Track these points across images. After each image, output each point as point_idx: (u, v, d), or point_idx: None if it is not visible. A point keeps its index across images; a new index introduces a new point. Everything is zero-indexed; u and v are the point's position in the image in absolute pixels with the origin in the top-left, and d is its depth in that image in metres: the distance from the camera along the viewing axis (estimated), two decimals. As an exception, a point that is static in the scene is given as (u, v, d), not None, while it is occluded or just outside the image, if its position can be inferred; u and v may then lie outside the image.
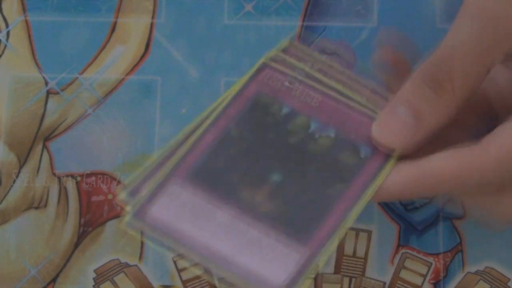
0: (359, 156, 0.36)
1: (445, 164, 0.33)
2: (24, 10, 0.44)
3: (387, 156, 0.35)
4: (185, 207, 0.35)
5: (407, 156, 0.34)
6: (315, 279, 0.40)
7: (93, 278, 0.41)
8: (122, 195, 0.34)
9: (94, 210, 0.41)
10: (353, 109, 0.37)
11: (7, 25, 0.44)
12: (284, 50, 0.39)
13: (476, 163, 0.32)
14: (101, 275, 0.41)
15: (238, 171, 0.36)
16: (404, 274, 0.40)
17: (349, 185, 0.36)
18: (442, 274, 0.40)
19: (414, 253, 0.40)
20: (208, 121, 0.37)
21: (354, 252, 0.40)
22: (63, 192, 0.42)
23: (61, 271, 0.41)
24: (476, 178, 0.32)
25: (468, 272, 0.40)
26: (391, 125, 0.34)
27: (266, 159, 0.37)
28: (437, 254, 0.40)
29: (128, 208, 0.34)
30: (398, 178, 0.34)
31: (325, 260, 0.34)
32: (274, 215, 0.35)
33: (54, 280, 0.41)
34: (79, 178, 0.42)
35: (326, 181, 0.36)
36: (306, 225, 0.35)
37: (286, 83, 0.38)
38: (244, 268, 0.34)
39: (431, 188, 0.33)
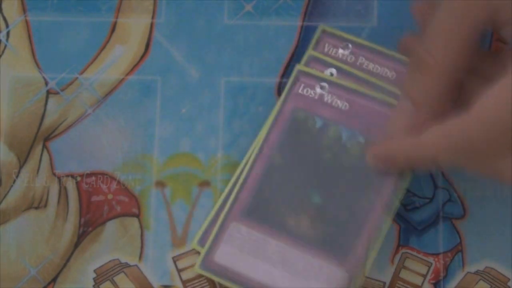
0: None
1: (435, 132, 0.34)
2: (24, 10, 0.44)
3: None
4: (243, 248, 0.38)
5: None
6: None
7: (93, 278, 0.41)
8: (194, 245, 0.39)
9: (94, 210, 0.41)
10: (380, 102, 0.39)
11: (7, 25, 0.44)
12: (317, 43, 0.41)
13: (461, 125, 0.33)
14: (101, 275, 0.41)
15: (284, 199, 0.39)
16: (404, 274, 0.40)
17: (379, 195, 0.38)
18: (442, 274, 0.40)
19: (414, 253, 0.40)
20: (254, 153, 0.39)
21: (354, 252, 0.40)
22: (63, 192, 0.42)
23: (61, 271, 0.41)
24: (462, 141, 0.33)
25: (468, 272, 0.40)
26: (398, 120, 0.35)
27: (306, 181, 0.39)
28: (437, 254, 0.40)
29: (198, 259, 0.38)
30: (395, 149, 0.36)
31: (367, 270, 0.38)
32: (320, 237, 0.38)
33: (54, 280, 0.41)
34: (79, 178, 0.42)
35: (359, 193, 0.38)
36: (347, 242, 0.38)
37: (318, 89, 0.39)
38: None
39: (426, 155, 0.35)
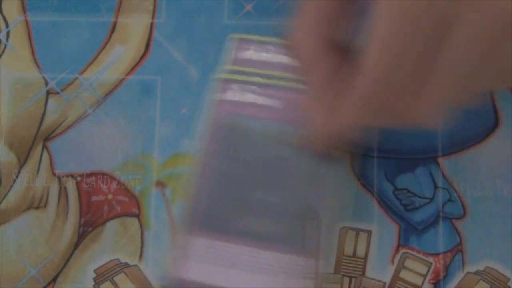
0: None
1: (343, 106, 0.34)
2: (24, 10, 0.44)
3: None
4: (209, 255, 0.38)
5: None
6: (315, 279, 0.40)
7: (93, 278, 0.41)
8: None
9: (94, 210, 0.41)
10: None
11: (7, 25, 0.44)
12: (237, 52, 0.40)
13: (358, 87, 0.33)
14: (101, 275, 0.41)
15: (232, 204, 0.38)
16: (404, 274, 0.40)
17: (324, 177, 0.38)
18: (442, 274, 0.40)
19: (414, 253, 0.40)
20: (195, 165, 0.39)
21: (354, 252, 0.40)
22: (63, 192, 0.42)
23: (61, 271, 0.41)
24: (364, 101, 0.33)
25: (468, 272, 0.40)
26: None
27: (247, 181, 0.39)
28: (437, 254, 0.40)
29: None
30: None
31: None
32: (275, 230, 0.38)
33: (54, 280, 0.41)
34: (79, 178, 0.42)
35: (300, 181, 0.38)
36: (299, 231, 0.37)
37: (248, 92, 0.39)
38: None
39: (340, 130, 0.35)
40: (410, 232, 0.41)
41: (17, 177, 0.42)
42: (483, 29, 0.30)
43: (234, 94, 0.40)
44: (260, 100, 0.40)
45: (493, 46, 0.31)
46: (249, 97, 0.40)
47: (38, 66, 0.43)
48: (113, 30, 0.44)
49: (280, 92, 0.40)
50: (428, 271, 0.40)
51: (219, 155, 0.39)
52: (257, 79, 0.40)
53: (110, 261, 0.41)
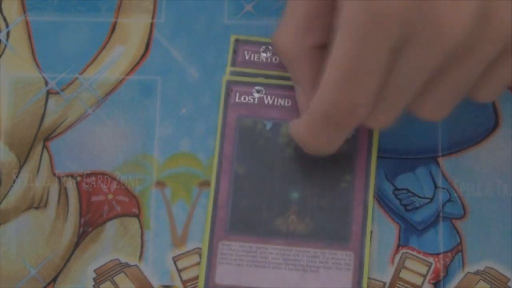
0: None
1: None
2: (24, 10, 0.44)
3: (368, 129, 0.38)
4: (241, 263, 0.38)
5: None
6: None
7: (93, 278, 0.41)
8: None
9: (94, 210, 0.41)
10: None
11: (7, 25, 0.44)
12: (235, 54, 0.41)
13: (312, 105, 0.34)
14: (101, 275, 0.41)
15: (263, 205, 0.39)
16: (404, 274, 0.40)
17: (354, 167, 0.39)
18: (442, 274, 0.40)
19: (414, 253, 0.40)
20: (215, 171, 0.40)
21: (354, 252, 0.40)
22: (63, 192, 0.42)
23: (61, 271, 0.41)
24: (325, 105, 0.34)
25: (468, 272, 0.40)
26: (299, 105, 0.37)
27: (278, 182, 0.39)
28: (437, 254, 0.40)
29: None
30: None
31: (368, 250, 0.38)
32: (312, 231, 0.38)
33: (54, 280, 0.41)
34: (79, 178, 0.42)
35: (334, 177, 0.38)
36: (340, 225, 0.38)
37: (255, 93, 0.39)
38: None
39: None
40: (410, 232, 0.41)
41: (17, 177, 0.42)
42: (431, 52, 0.31)
43: (241, 96, 0.40)
44: (269, 101, 0.40)
45: (441, 69, 0.32)
46: (254, 99, 0.40)
47: (38, 66, 0.43)
48: (113, 30, 0.44)
49: (287, 92, 0.40)
50: (428, 271, 0.40)
51: (242, 159, 0.39)
52: (261, 80, 0.40)
53: (110, 261, 0.41)
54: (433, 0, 0.31)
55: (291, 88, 0.40)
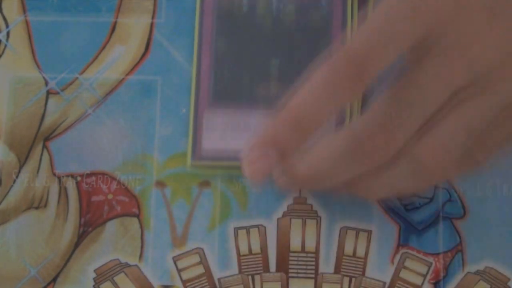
0: (321, 5, 0.39)
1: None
2: (24, 10, 0.44)
3: None
4: (227, 127, 0.39)
5: None
6: (315, 279, 0.40)
7: (93, 278, 0.41)
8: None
9: (94, 210, 0.41)
10: None
11: (7, 25, 0.44)
12: None
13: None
14: (101, 275, 0.41)
15: (243, 73, 0.39)
16: (404, 274, 0.40)
17: (330, 34, 0.39)
18: (442, 274, 0.40)
19: (414, 253, 0.40)
20: (196, 45, 0.40)
21: (354, 252, 0.40)
22: (63, 192, 0.42)
23: (61, 271, 0.41)
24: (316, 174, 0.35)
25: (468, 272, 0.40)
26: (257, 162, 0.36)
27: (257, 51, 0.39)
28: (437, 254, 0.40)
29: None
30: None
31: None
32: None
33: (54, 280, 0.41)
34: (79, 178, 0.42)
35: (312, 42, 0.39)
36: None
37: None
38: None
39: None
40: (410, 232, 0.41)
41: (17, 177, 0.42)
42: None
43: None
44: None
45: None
46: None
47: (38, 66, 0.43)
48: (113, 30, 0.44)
49: None
50: (428, 271, 0.40)
51: (218, 32, 0.40)
52: None
53: (110, 261, 0.41)
54: None
55: None
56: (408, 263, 0.40)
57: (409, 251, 0.40)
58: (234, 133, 0.38)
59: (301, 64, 0.38)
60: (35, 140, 0.42)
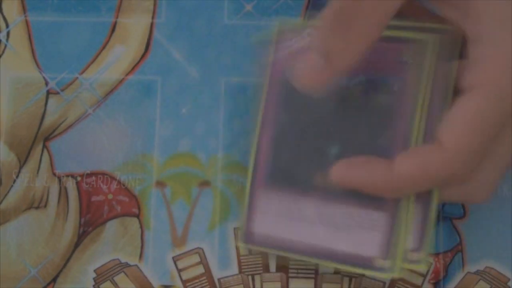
0: (392, 90, 0.36)
1: (411, 166, 0.34)
2: (24, 10, 0.44)
3: (416, 84, 0.36)
4: (279, 213, 0.37)
5: None
6: (315, 279, 0.40)
7: (93, 278, 0.41)
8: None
9: (94, 210, 0.41)
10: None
11: (7, 25, 0.44)
12: (279, 39, 0.39)
13: (440, 159, 0.33)
14: (101, 275, 0.41)
15: (303, 159, 0.37)
16: (404, 274, 0.40)
17: (395, 125, 0.36)
18: (442, 274, 0.40)
19: (414, 253, 0.40)
20: (259, 120, 0.38)
21: (354, 252, 0.40)
22: (63, 192, 0.42)
23: (61, 271, 0.41)
24: (443, 174, 0.33)
25: (468, 272, 0.40)
26: (304, 69, 0.35)
27: (319, 134, 0.37)
28: (437, 254, 0.40)
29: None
30: (374, 181, 0.35)
31: (410, 217, 0.36)
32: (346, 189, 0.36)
33: (54, 280, 0.41)
34: (79, 178, 0.42)
35: (374, 131, 0.37)
36: None
37: (306, 36, 0.38)
38: (343, 252, 0.36)
39: (399, 188, 0.35)
40: (410, 232, 0.40)
41: (17, 177, 0.42)
42: None
43: (287, 46, 0.39)
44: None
45: None
46: (303, 43, 0.39)
47: (38, 66, 0.43)
48: (113, 30, 0.44)
49: None
50: (428, 271, 0.40)
51: (286, 108, 0.38)
52: (309, 31, 0.38)
53: (110, 261, 0.41)
54: None
55: None
56: (408, 263, 0.40)
57: (409, 251, 0.40)
58: (287, 222, 0.37)
59: (359, 154, 0.36)
60: (35, 140, 0.42)
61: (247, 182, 0.39)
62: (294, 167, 0.38)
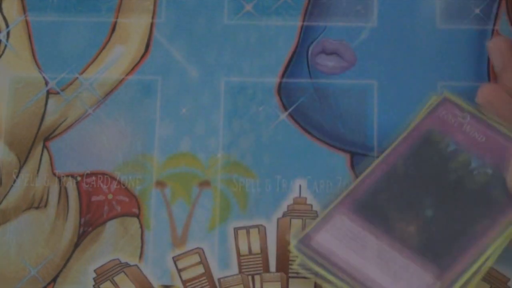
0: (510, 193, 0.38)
1: None
2: (24, 10, 0.44)
3: None
4: (346, 235, 0.38)
5: None
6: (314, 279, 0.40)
7: (93, 278, 0.41)
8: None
9: (94, 210, 0.41)
10: None
11: (7, 25, 0.44)
12: (437, 106, 0.41)
13: None
14: (101, 275, 0.41)
15: (397, 206, 0.39)
16: None
17: (495, 222, 0.38)
18: (442, 274, 0.40)
19: (414, 253, 0.40)
20: (380, 158, 0.40)
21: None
22: (63, 192, 0.42)
23: (61, 271, 0.41)
24: None
25: (468, 272, 0.40)
26: None
27: (423, 195, 0.39)
28: (437, 254, 0.40)
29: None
30: None
31: None
32: (422, 246, 0.38)
33: (54, 280, 0.41)
34: (79, 178, 0.42)
35: (475, 217, 0.38)
36: (448, 256, 0.38)
37: (460, 118, 0.40)
38: None
39: None
40: (410, 232, 0.40)
41: (17, 177, 0.42)
42: None
43: (447, 113, 0.40)
44: (467, 128, 0.40)
45: None
46: (456, 121, 0.40)
47: (38, 66, 0.43)
48: (113, 30, 0.44)
49: (488, 129, 0.40)
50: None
51: (408, 161, 0.39)
52: (470, 109, 0.40)
53: (110, 261, 0.41)
54: None
55: (492, 128, 0.40)
56: (408, 263, 0.40)
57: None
58: (346, 248, 0.38)
59: (448, 227, 0.38)
60: (35, 140, 0.42)
61: (340, 195, 0.39)
62: (386, 209, 0.39)
